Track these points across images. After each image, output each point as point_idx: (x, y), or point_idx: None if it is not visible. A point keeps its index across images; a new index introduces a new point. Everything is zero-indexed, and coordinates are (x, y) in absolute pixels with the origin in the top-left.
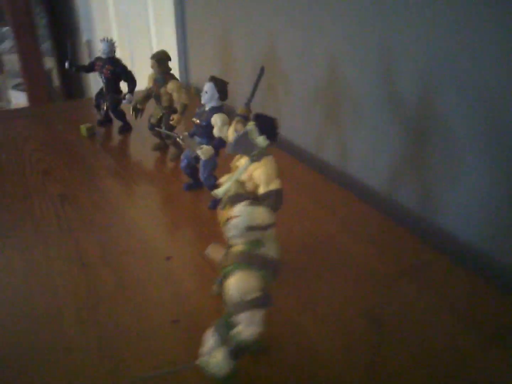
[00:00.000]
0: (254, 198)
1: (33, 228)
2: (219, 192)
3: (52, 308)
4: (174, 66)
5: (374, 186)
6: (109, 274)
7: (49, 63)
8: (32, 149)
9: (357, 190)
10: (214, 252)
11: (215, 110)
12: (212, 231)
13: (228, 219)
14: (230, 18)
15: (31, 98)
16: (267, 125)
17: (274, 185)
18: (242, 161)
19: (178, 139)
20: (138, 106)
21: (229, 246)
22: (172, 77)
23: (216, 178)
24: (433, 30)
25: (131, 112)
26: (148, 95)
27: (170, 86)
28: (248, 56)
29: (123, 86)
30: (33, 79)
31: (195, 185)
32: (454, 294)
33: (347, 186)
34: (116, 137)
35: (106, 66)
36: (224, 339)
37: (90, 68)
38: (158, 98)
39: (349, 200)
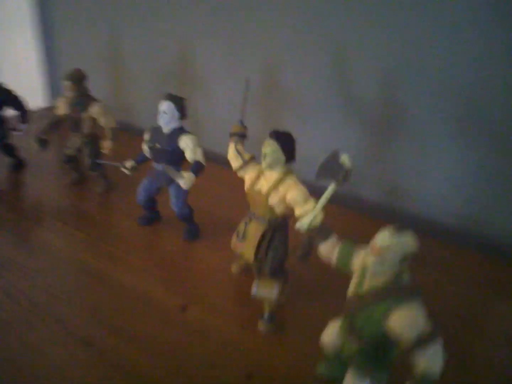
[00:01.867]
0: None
1: None
2: (304, 223)
3: None
4: (34, 83)
5: None
6: None
7: None
8: None
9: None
10: (263, 290)
11: (179, 132)
12: (176, 275)
13: (374, 251)
14: (121, 20)
15: None
16: (289, 142)
17: (311, 204)
18: (264, 183)
19: (123, 168)
20: (43, 137)
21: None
22: (93, 99)
23: (190, 207)
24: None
25: (34, 145)
26: (56, 122)
27: (95, 110)
28: (150, 66)
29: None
30: None
31: (154, 217)
32: None
33: None
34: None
35: None
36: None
37: None
38: (77, 125)
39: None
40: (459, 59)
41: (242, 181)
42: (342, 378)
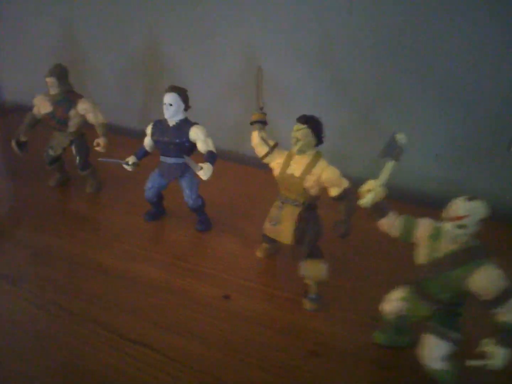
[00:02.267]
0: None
1: None
2: (367, 201)
3: None
4: None
5: None
6: None
7: None
8: None
9: None
10: (312, 270)
11: (185, 123)
12: (203, 265)
13: (453, 219)
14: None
15: None
16: (319, 126)
17: (346, 183)
18: (295, 167)
19: (124, 165)
20: (22, 138)
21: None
22: (79, 95)
23: (202, 198)
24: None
25: (13, 147)
26: (34, 123)
27: (83, 106)
28: (112, 56)
29: None
30: None
31: (160, 213)
32: None
33: None
34: None
35: None
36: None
37: None
38: (63, 123)
39: None
40: (444, 36)
41: (229, 170)
42: (397, 345)
